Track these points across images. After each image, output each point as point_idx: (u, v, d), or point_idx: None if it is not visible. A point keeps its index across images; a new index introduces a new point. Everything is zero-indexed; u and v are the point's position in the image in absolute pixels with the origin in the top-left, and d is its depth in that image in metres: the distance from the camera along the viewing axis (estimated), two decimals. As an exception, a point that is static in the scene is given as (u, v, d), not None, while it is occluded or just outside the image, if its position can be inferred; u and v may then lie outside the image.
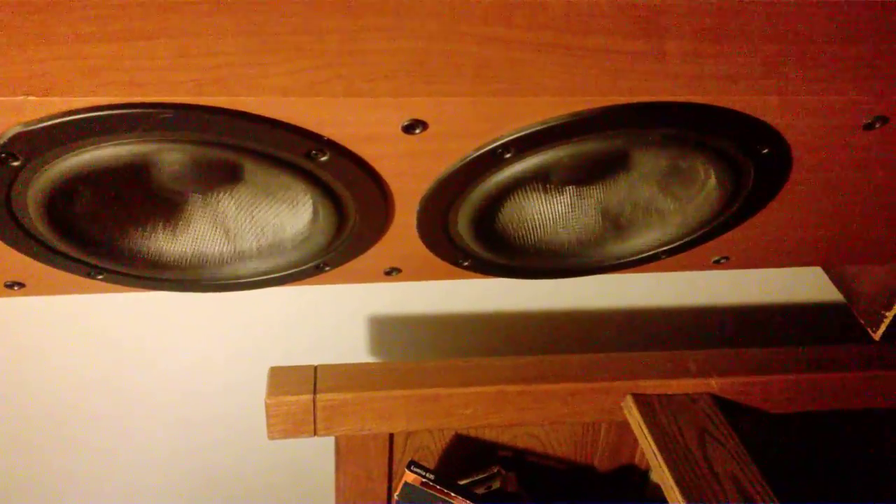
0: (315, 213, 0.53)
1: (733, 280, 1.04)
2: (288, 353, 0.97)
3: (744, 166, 0.53)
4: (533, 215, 0.59)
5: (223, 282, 0.59)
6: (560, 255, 0.62)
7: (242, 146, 0.46)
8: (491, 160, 0.49)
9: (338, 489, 0.88)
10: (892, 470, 1.02)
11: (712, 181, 0.55)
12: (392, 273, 0.61)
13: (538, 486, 0.93)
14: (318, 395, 0.76)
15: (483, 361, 0.82)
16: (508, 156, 0.49)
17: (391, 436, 0.85)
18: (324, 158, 0.47)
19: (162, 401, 1.01)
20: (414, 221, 0.54)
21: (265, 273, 0.58)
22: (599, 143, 0.49)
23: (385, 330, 0.99)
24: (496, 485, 0.87)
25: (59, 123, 0.42)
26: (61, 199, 0.48)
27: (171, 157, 0.48)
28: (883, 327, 0.75)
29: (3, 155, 0.43)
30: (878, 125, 0.51)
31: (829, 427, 0.98)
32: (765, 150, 0.52)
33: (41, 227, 0.50)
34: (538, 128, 0.47)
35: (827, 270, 0.84)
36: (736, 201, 0.56)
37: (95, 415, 1.01)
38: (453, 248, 0.58)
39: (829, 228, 0.62)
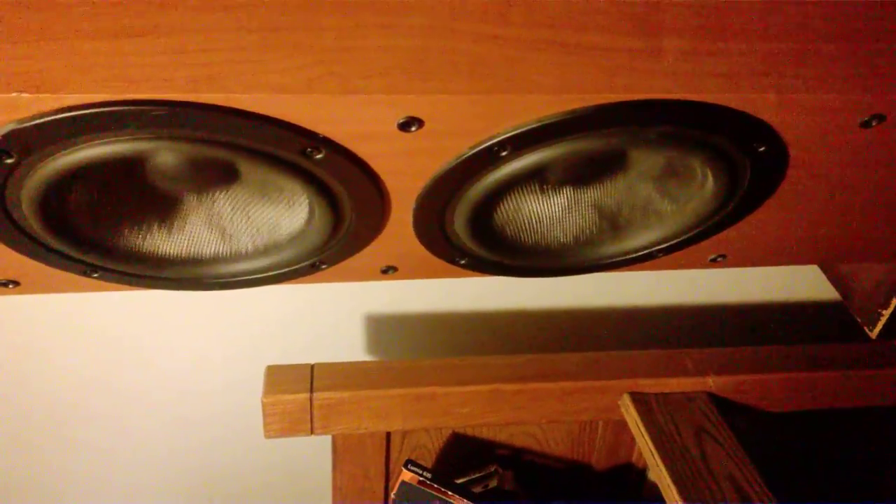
0: (311, 211, 0.53)
1: (730, 278, 1.04)
2: (285, 351, 0.97)
3: (740, 164, 0.53)
4: (529, 214, 0.59)
5: (219, 280, 0.59)
6: (557, 254, 0.62)
7: (237, 144, 0.45)
8: (487, 158, 0.49)
9: (335, 488, 0.88)
10: (889, 468, 1.02)
11: (709, 180, 0.55)
12: (389, 271, 0.61)
13: (535, 484, 0.93)
14: (314, 394, 0.76)
15: (480, 360, 0.82)
16: (505, 154, 0.49)
17: (388, 434, 0.85)
18: (319, 156, 0.47)
19: (159, 399, 1.01)
20: (410, 220, 0.54)
21: (261, 271, 0.58)
22: (596, 141, 0.49)
23: (382, 328, 0.99)
24: (493, 483, 0.87)
25: (53, 120, 0.42)
26: (56, 197, 0.48)
27: (165, 154, 0.48)
28: (880, 325, 0.75)
29: (-3, 152, 0.43)
30: (875, 123, 0.51)
31: (827, 425, 0.98)
32: (761, 149, 0.52)
33: (36, 225, 0.50)
34: (534, 126, 0.47)
35: (824, 269, 0.84)
36: (732, 199, 0.56)
37: (92, 413, 1.01)
38: (450, 247, 0.58)
39: (826, 227, 0.62)
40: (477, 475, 0.88)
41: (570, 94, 0.46)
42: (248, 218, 0.56)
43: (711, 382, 0.82)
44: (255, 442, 1.04)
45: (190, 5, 0.43)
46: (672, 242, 0.61)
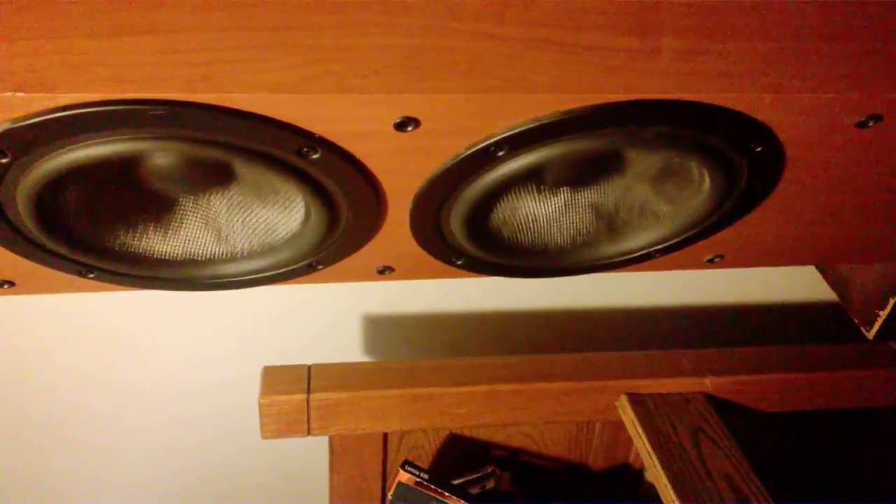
0: (307, 211, 0.53)
1: (727, 279, 1.04)
2: (282, 352, 0.97)
3: (737, 165, 0.53)
4: (526, 214, 0.59)
5: (215, 280, 0.58)
6: (554, 254, 0.62)
7: (233, 143, 0.45)
8: (484, 158, 0.49)
9: (332, 489, 0.88)
10: (886, 468, 1.02)
11: (706, 180, 0.55)
12: (385, 272, 0.61)
13: (532, 485, 0.93)
14: (311, 395, 0.76)
15: (477, 361, 0.82)
16: (501, 154, 0.49)
17: (385, 435, 0.85)
18: (315, 156, 0.47)
19: (156, 399, 1.01)
20: (407, 220, 0.54)
21: (258, 271, 0.58)
22: (592, 141, 0.49)
23: (379, 329, 0.99)
24: (490, 484, 0.87)
25: (48, 120, 0.42)
26: (51, 197, 0.48)
27: (161, 154, 0.48)
28: (877, 326, 0.75)
29: (-8, 152, 0.43)
30: (871, 123, 0.51)
31: (824, 426, 0.99)
32: (758, 149, 0.52)
33: (31, 225, 0.49)
34: (531, 125, 0.47)
35: (821, 270, 0.84)
36: (729, 200, 0.56)
37: (89, 413, 1.00)
38: (447, 247, 0.58)
39: (823, 227, 0.62)
40: (474, 476, 0.87)
41: (567, 94, 0.46)
42: (245, 218, 0.56)
43: (708, 383, 0.82)
44: (252, 442, 1.04)
45: (186, 4, 0.43)
46: (669, 243, 0.61)
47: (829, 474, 1.05)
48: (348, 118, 0.45)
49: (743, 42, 0.48)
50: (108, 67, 0.41)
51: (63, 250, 0.53)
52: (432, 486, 0.80)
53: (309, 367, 0.79)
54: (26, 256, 0.53)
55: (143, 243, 0.55)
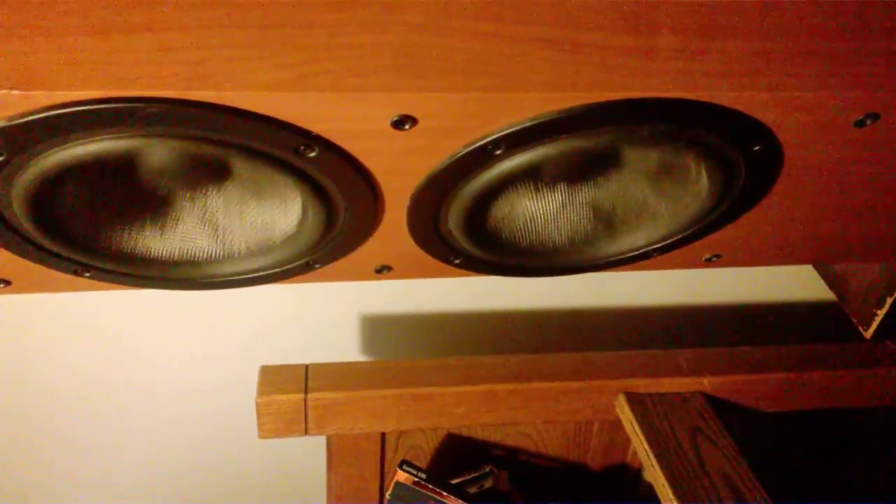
0: (304, 210, 0.53)
1: (725, 278, 1.04)
2: (279, 351, 0.97)
3: (735, 163, 0.53)
4: (524, 213, 0.59)
5: (212, 280, 0.58)
6: (552, 254, 0.62)
7: (230, 142, 0.45)
8: (481, 157, 0.49)
9: (329, 488, 0.88)
10: (884, 468, 1.02)
11: (704, 179, 0.55)
12: (383, 271, 0.60)
13: (531, 485, 0.93)
14: (309, 395, 0.76)
15: (475, 360, 0.82)
16: (499, 152, 0.49)
17: (383, 435, 0.85)
18: (312, 154, 0.47)
19: (153, 399, 1.01)
20: (404, 218, 0.54)
21: (255, 271, 0.58)
22: (590, 139, 0.49)
23: (377, 329, 0.99)
24: (488, 484, 0.87)
25: (44, 118, 0.42)
26: (47, 195, 0.48)
27: (157, 153, 0.47)
28: (874, 326, 0.75)
29: (-13, 150, 0.43)
30: (869, 122, 0.51)
31: (821, 426, 0.99)
32: (756, 147, 0.52)
33: (26, 224, 0.49)
34: (528, 124, 0.47)
35: (818, 269, 0.84)
36: (727, 199, 0.56)
37: (85, 412, 1.00)
38: (444, 246, 0.58)
39: (821, 226, 0.62)
40: (472, 475, 0.87)
41: (564, 93, 0.46)
42: (241, 217, 0.56)
43: (706, 382, 0.82)
44: (250, 442, 1.04)
45: (183, 2, 0.42)
46: (667, 242, 0.61)
47: (827, 474, 1.05)
48: (345, 117, 0.45)
49: (741, 41, 0.48)
50: (104, 65, 0.41)
51: (59, 249, 0.52)
52: (430, 486, 0.80)
53: (306, 367, 0.79)
54: (22, 255, 0.53)
55: (139, 242, 0.55)
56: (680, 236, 0.60)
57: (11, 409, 0.97)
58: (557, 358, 0.83)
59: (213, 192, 0.55)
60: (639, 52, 0.47)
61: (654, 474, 0.73)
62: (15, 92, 0.40)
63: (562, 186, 0.58)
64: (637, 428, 0.77)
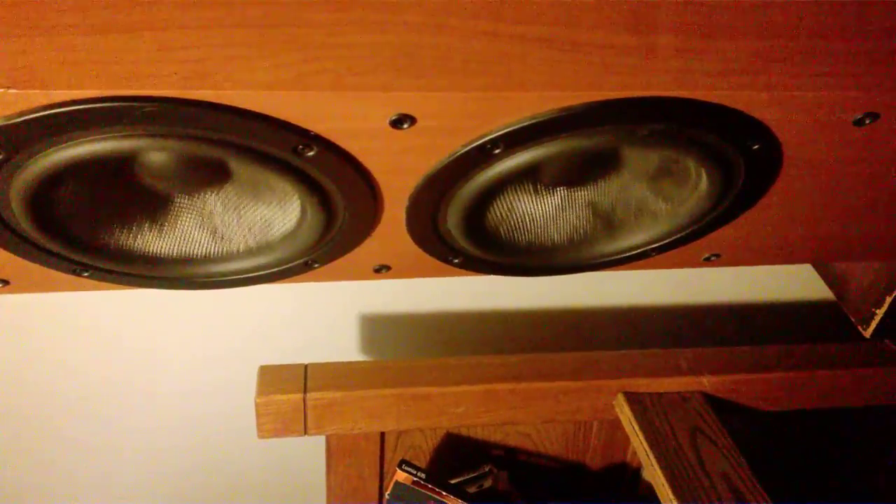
0: (303, 209, 0.53)
1: (724, 278, 1.04)
2: (278, 351, 0.97)
3: (734, 163, 0.53)
4: (523, 212, 0.59)
5: (211, 279, 0.58)
6: (551, 253, 0.62)
7: (228, 141, 0.45)
8: (480, 156, 0.49)
9: (329, 488, 0.88)
10: (883, 468, 1.02)
11: (703, 178, 0.55)
12: (382, 270, 0.60)
13: (530, 484, 0.93)
14: (308, 394, 0.76)
15: (474, 360, 0.82)
16: (498, 151, 0.49)
17: (382, 435, 0.85)
18: (311, 154, 0.47)
19: (153, 399, 1.01)
20: (403, 218, 0.54)
21: (254, 270, 0.58)
22: (589, 138, 0.49)
23: (376, 328, 0.99)
24: (488, 483, 0.87)
25: (42, 117, 0.41)
26: (45, 195, 0.48)
27: (155, 152, 0.47)
28: (873, 325, 0.75)
29: (-15, 149, 0.43)
30: (868, 121, 0.51)
31: (821, 425, 0.99)
32: (755, 147, 0.52)
33: (25, 224, 0.49)
34: (527, 123, 0.47)
35: (818, 268, 0.84)
36: (726, 198, 0.56)
37: (85, 412, 1.00)
38: (443, 246, 0.58)
39: (820, 225, 0.62)
40: (471, 475, 0.87)
41: (563, 92, 0.46)
42: (240, 216, 0.56)
43: (706, 382, 0.81)
44: (250, 442, 1.04)
45: (181, 1, 0.42)
46: (666, 241, 0.60)
47: (827, 473, 1.05)
48: (344, 116, 0.45)
49: (740, 40, 0.48)
50: (102, 64, 0.41)
51: (57, 249, 0.52)
52: (430, 486, 0.80)
53: (305, 367, 0.78)
54: (20, 255, 0.53)
55: (138, 242, 0.55)
56: (679, 235, 0.60)
57: (11, 409, 0.97)
58: (557, 357, 0.83)
59: (212, 192, 0.55)
60: (638, 51, 0.47)
61: (654, 474, 0.73)
62: (13, 91, 0.40)
63: (561, 186, 0.58)
64: (636, 427, 0.77)
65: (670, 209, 0.59)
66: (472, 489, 0.86)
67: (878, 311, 0.74)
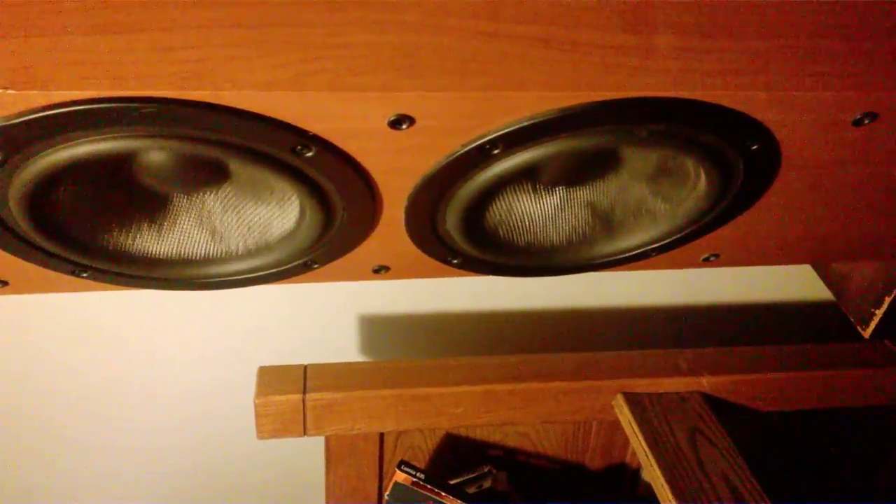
0: (302, 209, 0.53)
1: (723, 278, 1.04)
2: (277, 352, 0.97)
3: (733, 163, 0.53)
4: (522, 213, 0.59)
5: (210, 280, 0.58)
6: (550, 253, 0.62)
7: (227, 142, 0.45)
8: (479, 156, 0.49)
9: (328, 489, 0.88)
10: (882, 468, 1.02)
11: (702, 178, 0.55)
12: (381, 271, 0.60)
13: (529, 485, 0.93)
14: (307, 395, 0.76)
15: (474, 360, 0.82)
16: (497, 152, 0.49)
17: (381, 435, 0.85)
18: (309, 154, 0.46)
19: (152, 399, 1.01)
20: (402, 218, 0.54)
21: (253, 271, 0.58)
22: (588, 139, 0.49)
23: (375, 329, 0.99)
24: (487, 484, 0.87)
25: (40, 117, 0.41)
26: (44, 196, 0.48)
27: (154, 152, 0.47)
28: (873, 325, 0.75)
29: (-17, 150, 0.43)
30: (867, 121, 0.51)
31: (820, 425, 0.99)
32: (754, 147, 0.52)
33: (23, 224, 0.49)
34: (526, 123, 0.47)
35: (817, 268, 0.84)
36: (725, 198, 0.56)
37: (84, 412, 1.00)
38: (442, 246, 0.58)
39: (819, 225, 0.62)
40: (471, 476, 0.87)
41: (562, 92, 0.46)
42: (239, 217, 0.56)
43: (705, 382, 0.81)
44: (249, 442, 1.04)
45: (179, 2, 0.42)
46: (665, 242, 0.60)
47: (826, 473, 1.05)
48: (343, 116, 0.45)
49: (739, 40, 0.48)
50: (100, 65, 0.41)
51: (56, 249, 0.52)
52: (429, 486, 0.80)
53: (305, 367, 0.78)
54: (19, 255, 0.52)
55: (136, 242, 0.55)
56: (678, 236, 0.60)
57: (11, 409, 0.97)
58: (556, 358, 0.83)
59: (211, 192, 0.55)
60: (637, 51, 0.47)
61: (653, 474, 0.72)
62: (11, 91, 0.40)
63: (560, 186, 0.58)
64: (636, 428, 0.77)
65: (669, 209, 0.59)
66: (471, 489, 0.86)
67: (877, 312, 0.74)
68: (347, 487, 0.88)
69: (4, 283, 0.56)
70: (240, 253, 0.57)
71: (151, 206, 0.55)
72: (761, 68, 0.48)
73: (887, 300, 0.73)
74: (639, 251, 0.61)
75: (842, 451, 1.02)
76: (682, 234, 0.60)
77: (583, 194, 0.59)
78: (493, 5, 0.45)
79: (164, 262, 0.57)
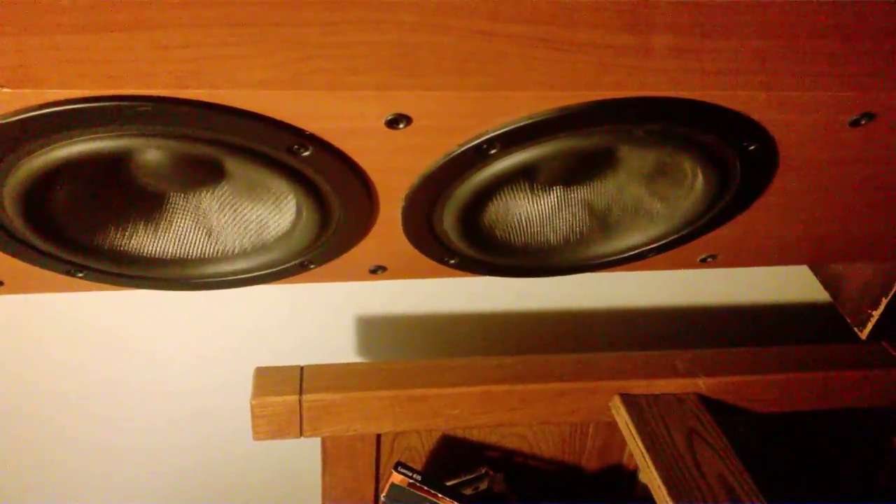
0: (298, 209, 0.52)
1: (721, 279, 1.04)
2: (274, 352, 0.97)
3: (730, 163, 0.53)
4: (519, 213, 0.59)
5: (207, 280, 0.58)
6: (547, 254, 0.61)
7: (223, 141, 0.45)
8: (476, 156, 0.49)
9: (324, 490, 0.87)
10: (879, 469, 1.03)
11: (699, 179, 0.55)
12: (377, 271, 0.60)
13: (526, 486, 0.92)
14: (304, 396, 0.76)
15: (470, 361, 0.82)
16: (494, 151, 0.49)
17: (378, 436, 0.84)
18: (306, 153, 0.46)
19: (148, 400, 1.00)
20: (399, 218, 0.54)
21: (249, 271, 0.58)
22: (585, 138, 0.49)
23: (372, 330, 0.99)
24: (484, 486, 0.87)
25: (35, 116, 0.41)
26: (39, 195, 0.48)
27: (150, 152, 0.47)
28: (869, 326, 0.75)
29: (-22, 149, 0.43)
30: (864, 122, 0.51)
31: (817, 426, 0.99)
32: (751, 147, 0.52)
33: (18, 224, 0.49)
34: (523, 123, 0.47)
35: (814, 269, 0.84)
36: (723, 198, 0.56)
37: (84, 412, 1.00)
38: (439, 246, 0.58)
39: (816, 226, 0.62)
40: (467, 477, 0.87)
41: (560, 92, 0.46)
42: (235, 217, 0.55)
43: (702, 384, 0.81)
44: (246, 442, 1.03)
45: (174, 1, 0.42)
46: (662, 242, 0.60)
47: (823, 475, 1.05)
48: (339, 115, 0.45)
49: (736, 40, 0.48)
50: (95, 63, 0.41)
51: (52, 249, 0.52)
52: (425, 488, 0.80)
53: (301, 368, 0.78)
54: (14, 255, 0.52)
55: (132, 242, 0.55)
56: (675, 236, 0.60)
57: (11, 409, 0.97)
58: (553, 359, 0.83)
59: (207, 192, 0.54)
60: (635, 51, 0.47)
61: (650, 476, 0.72)
62: (6, 90, 0.40)
63: (557, 186, 0.58)
64: (633, 429, 0.76)
65: (666, 210, 0.58)
66: (468, 491, 0.85)
67: (874, 313, 0.74)
68: (344, 489, 0.87)
69: (0, 283, 0.55)
70: (236, 253, 0.57)
71: (147, 205, 0.54)
72: (759, 68, 0.48)
73: (884, 302, 0.73)
74: (636, 252, 0.61)
75: (841, 451, 1.02)
76: (680, 234, 0.59)
77: (580, 194, 0.59)
78: (491, 5, 0.45)
79: (160, 262, 0.56)
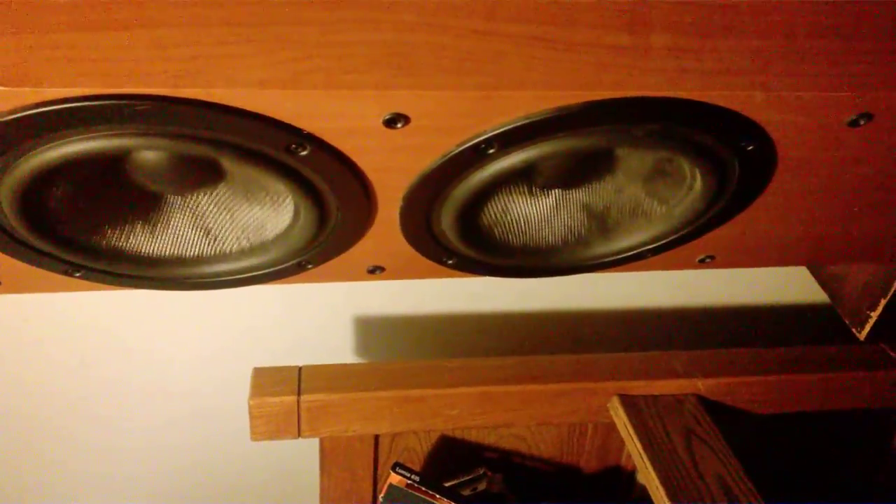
0: (296, 209, 0.52)
1: (719, 280, 1.04)
2: (272, 353, 0.97)
3: (729, 163, 0.53)
4: (518, 213, 0.59)
5: (204, 280, 0.58)
6: (545, 254, 0.61)
7: (220, 140, 0.45)
8: (474, 156, 0.49)
9: (322, 491, 0.87)
10: (877, 470, 1.03)
11: (697, 179, 0.54)
12: (375, 271, 0.60)
13: (524, 487, 0.92)
14: (302, 396, 0.76)
15: (469, 362, 0.82)
16: (492, 151, 0.49)
17: (376, 437, 0.84)
18: (304, 153, 0.46)
19: (146, 399, 1.00)
20: (397, 218, 0.54)
21: (247, 271, 0.58)
22: (584, 138, 0.49)
23: (370, 330, 0.99)
24: (482, 486, 0.87)
25: (33, 115, 0.41)
26: (36, 194, 0.47)
27: (147, 151, 0.47)
28: (868, 328, 0.75)
29: (-25, 148, 0.43)
30: (862, 122, 0.51)
31: (815, 428, 0.99)
32: (750, 147, 0.52)
33: (15, 223, 0.49)
34: (522, 123, 0.47)
35: (812, 270, 0.84)
36: (721, 199, 0.56)
37: (83, 412, 1.00)
38: (438, 247, 0.58)
39: (815, 227, 0.62)
40: (466, 478, 0.87)
41: (558, 91, 0.46)
42: (233, 217, 0.55)
43: (700, 385, 0.81)
44: (243, 443, 1.03)
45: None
46: (661, 243, 0.60)
47: (821, 476, 1.05)
48: (337, 115, 0.45)
49: (735, 40, 0.48)
50: (93, 62, 0.41)
51: (49, 249, 0.52)
52: (423, 489, 0.80)
53: (299, 369, 0.78)
54: (11, 255, 0.52)
55: (130, 242, 0.55)
56: (674, 237, 0.60)
57: (11, 409, 0.97)
58: (551, 360, 0.83)
59: (205, 192, 0.54)
60: (633, 50, 0.46)
61: (648, 476, 0.72)
62: (3, 88, 0.40)
63: (555, 187, 0.58)
64: (631, 430, 0.76)
65: (665, 210, 0.58)
66: (466, 492, 0.85)
67: (872, 314, 0.74)
68: (342, 489, 0.87)
69: (-3, 283, 0.55)
70: (234, 253, 0.57)
71: (145, 205, 0.54)
72: (757, 69, 0.48)
73: (882, 303, 0.73)
74: (634, 252, 0.61)
75: (841, 451, 1.02)
76: (678, 235, 0.59)
77: (578, 195, 0.59)
78: (489, 4, 0.45)
79: (158, 262, 0.56)
